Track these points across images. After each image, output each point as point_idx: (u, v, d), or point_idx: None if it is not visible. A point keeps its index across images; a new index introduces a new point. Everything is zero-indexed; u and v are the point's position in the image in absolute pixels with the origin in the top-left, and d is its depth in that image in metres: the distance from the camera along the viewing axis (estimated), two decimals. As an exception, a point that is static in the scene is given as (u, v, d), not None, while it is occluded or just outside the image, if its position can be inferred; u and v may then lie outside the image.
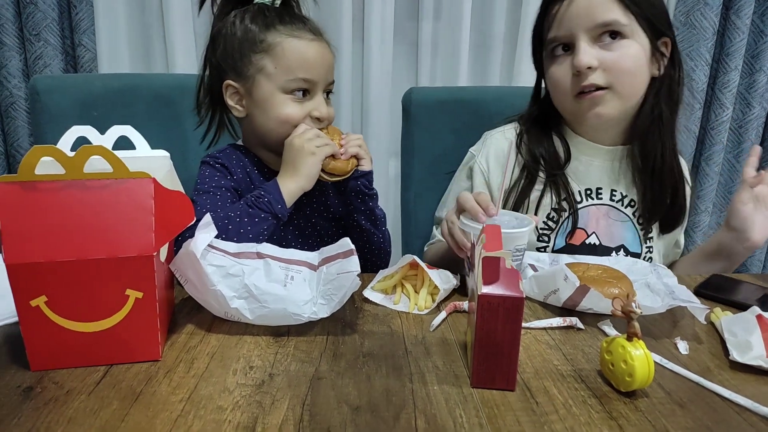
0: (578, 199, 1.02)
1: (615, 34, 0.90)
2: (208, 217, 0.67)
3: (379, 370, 0.60)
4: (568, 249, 1.01)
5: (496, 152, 1.05)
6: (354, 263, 0.67)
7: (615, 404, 0.55)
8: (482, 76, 1.71)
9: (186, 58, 1.55)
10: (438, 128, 1.22)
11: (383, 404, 0.54)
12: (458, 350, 0.65)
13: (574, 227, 1.01)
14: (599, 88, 0.91)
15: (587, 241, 1.02)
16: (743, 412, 0.55)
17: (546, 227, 1.02)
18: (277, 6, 0.93)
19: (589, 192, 1.03)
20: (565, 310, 0.76)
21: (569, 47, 0.93)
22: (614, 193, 1.03)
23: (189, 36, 1.55)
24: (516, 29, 1.66)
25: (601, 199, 1.03)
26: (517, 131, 1.06)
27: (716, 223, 1.81)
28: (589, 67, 0.90)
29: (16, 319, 0.57)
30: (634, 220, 1.04)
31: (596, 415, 0.53)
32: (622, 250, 1.03)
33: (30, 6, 1.41)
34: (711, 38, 1.61)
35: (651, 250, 1.05)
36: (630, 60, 0.90)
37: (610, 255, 1.01)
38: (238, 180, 0.97)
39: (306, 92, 0.92)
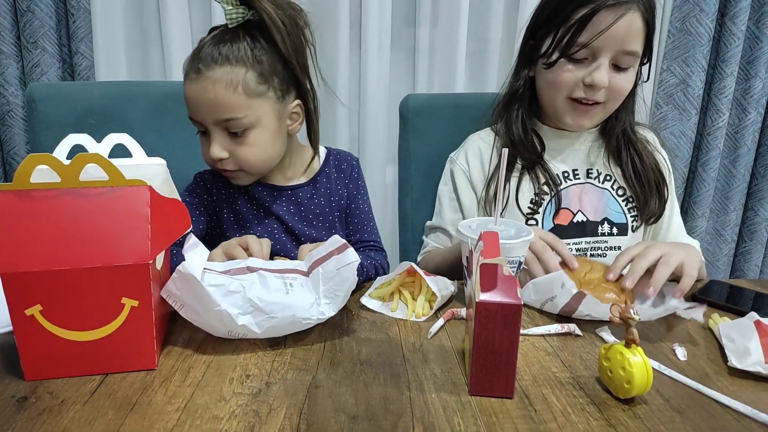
0: (558, 181, 1.06)
1: (629, 61, 0.95)
2: (193, 238, 0.66)
3: (377, 378, 0.60)
4: (558, 230, 1.04)
5: (474, 150, 1.11)
6: (352, 255, 0.66)
7: (613, 411, 0.55)
8: (479, 83, 1.71)
9: (183, 65, 1.55)
10: (435, 135, 1.22)
11: (381, 412, 0.54)
12: (456, 357, 0.65)
13: (558, 208, 1.05)
14: (596, 102, 0.98)
15: (575, 220, 1.05)
16: (742, 418, 0.54)
17: (531, 210, 1.05)
18: (220, 31, 0.86)
19: (566, 174, 1.07)
20: (563, 317, 0.76)
21: (589, 55, 0.96)
22: (590, 171, 1.08)
23: (187, 44, 1.55)
24: (513, 36, 1.66)
25: (578, 178, 1.07)
26: (491, 145, 1.10)
27: (713, 228, 1.81)
28: (603, 87, 0.95)
29: (10, 328, 0.56)
30: (614, 192, 1.07)
31: (595, 423, 0.53)
32: (606, 222, 1.06)
33: (27, 14, 1.41)
34: (707, 44, 1.62)
35: (636, 219, 1.08)
36: (629, 85, 0.99)
37: (597, 229, 1.05)
38: (218, 199, 0.98)
39: (207, 129, 0.88)
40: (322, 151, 1.06)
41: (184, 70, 0.87)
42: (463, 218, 1.09)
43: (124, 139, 0.74)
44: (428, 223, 1.16)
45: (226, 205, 0.98)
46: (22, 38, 1.44)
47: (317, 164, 1.04)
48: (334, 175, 1.04)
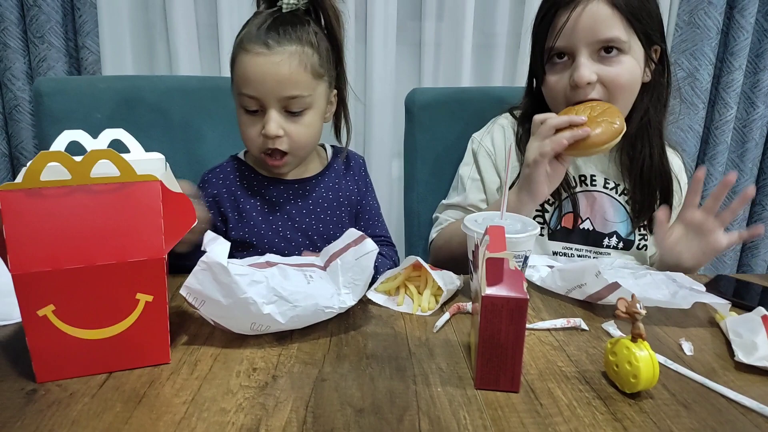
0: (573, 184, 1.04)
1: (614, 49, 0.92)
2: (211, 233, 0.65)
3: (383, 371, 0.60)
4: (562, 232, 1.04)
5: (500, 134, 1.09)
6: (370, 244, 0.67)
7: (619, 405, 0.55)
8: (485, 77, 1.71)
9: (189, 60, 1.55)
10: (441, 129, 1.22)
11: (387, 406, 0.54)
12: (462, 352, 0.65)
13: (575, 210, 1.03)
14: (593, 100, 0.94)
15: (581, 226, 1.04)
16: (748, 413, 0.54)
17: (540, 209, 1.04)
18: (279, 14, 0.88)
19: (583, 178, 1.05)
20: (569, 311, 0.76)
21: (568, 56, 0.95)
22: (608, 181, 1.06)
23: (192, 38, 1.55)
24: (518, 29, 1.66)
25: (595, 185, 1.05)
26: (514, 129, 1.08)
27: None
28: (589, 83, 0.92)
29: (19, 320, 0.57)
30: (628, 208, 1.05)
31: (601, 417, 0.53)
32: (615, 236, 1.04)
33: (34, 8, 1.41)
34: (715, 37, 1.61)
35: (645, 237, 1.06)
36: (627, 75, 0.93)
37: (603, 241, 1.04)
38: (221, 200, 0.97)
39: (261, 107, 0.88)
40: (328, 148, 1.07)
41: (240, 46, 0.87)
42: (487, 199, 1.08)
43: (121, 134, 0.73)
44: (444, 201, 1.14)
45: (229, 205, 0.97)
46: (28, 33, 1.44)
47: (325, 160, 1.04)
48: (342, 172, 1.04)
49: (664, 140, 1.03)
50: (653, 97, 0.99)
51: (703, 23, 1.59)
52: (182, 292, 0.62)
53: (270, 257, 0.73)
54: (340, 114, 1.01)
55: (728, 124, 1.68)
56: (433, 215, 1.16)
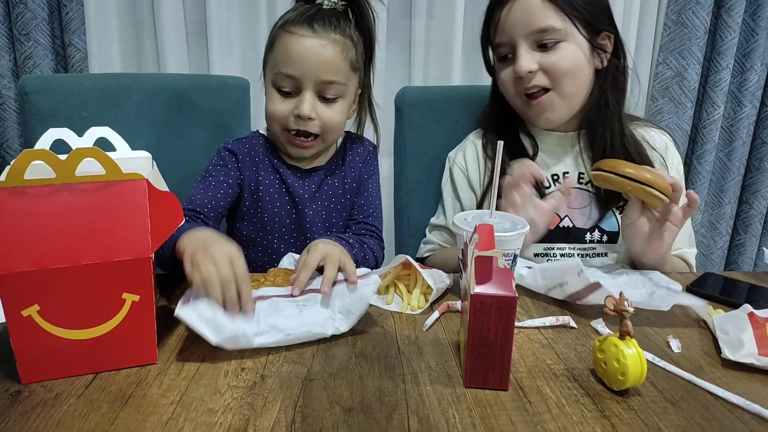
0: (546, 184, 1.04)
1: (552, 38, 0.94)
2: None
3: (372, 370, 0.60)
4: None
5: (471, 150, 1.11)
6: (374, 279, 0.69)
7: (608, 403, 0.55)
8: (475, 75, 1.71)
9: (177, 57, 1.54)
10: (431, 127, 1.22)
11: (376, 405, 0.54)
12: (451, 350, 0.65)
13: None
14: (544, 89, 0.96)
15: (561, 225, 1.03)
16: (735, 409, 0.55)
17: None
18: (326, 7, 0.92)
19: (556, 177, 1.06)
20: (558, 309, 0.76)
21: (512, 51, 0.97)
22: (582, 176, 1.05)
23: (180, 35, 1.54)
24: (508, 28, 1.66)
25: None
26: (482, 136, 1.10)
27: (707, 221, 1.82)
28: (530, 71, 0.95)
29: (2, 320, 0.56)
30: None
31: (589, 414, 0.53)
32: (596, 230, 1.04)
33: (20, 5, 1.40)
34: (702, 37, 1.62)
35: None
36: (568, 61, 0.95)
37: (585, 236, 1.04)
38: (243, 168, 0.98)
39: (296, 89, 0.90)
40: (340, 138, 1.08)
41: (283, 28, 0.90)
42: None
43: (107, 132, 0.73)
44: (432, 220, 1.16)
45: (249, 174, 0.99)
46: (14, 30, 1.43)
47: (335, 147, 1.06)
48: (349, 157, 1.05)
49: (624, 124, 1.02)
50: (609, 83, 1.00)
51: (690, 23, 1.60)
52: (183, 299, 0.63)
53: (262, 292, 0.71)
54: (362, 113, 1.04)
55: (716, 123, 1.69)
56: (426, 231, 1.17)
